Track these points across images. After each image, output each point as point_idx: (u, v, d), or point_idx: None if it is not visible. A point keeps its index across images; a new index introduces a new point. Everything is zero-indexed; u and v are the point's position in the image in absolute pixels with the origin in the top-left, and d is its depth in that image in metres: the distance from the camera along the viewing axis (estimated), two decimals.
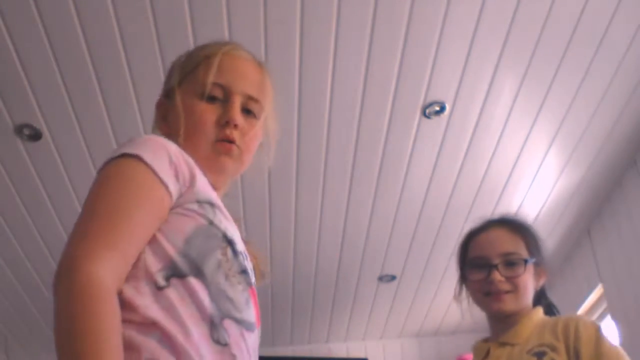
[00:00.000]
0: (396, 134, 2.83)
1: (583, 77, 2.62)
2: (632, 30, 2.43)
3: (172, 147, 0.99)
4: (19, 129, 2.61)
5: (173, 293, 0.88)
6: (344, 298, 4.11)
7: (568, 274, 3.86)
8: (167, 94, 1.15)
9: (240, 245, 0.99)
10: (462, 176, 3.12)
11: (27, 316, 3.96)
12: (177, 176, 0.95)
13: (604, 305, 3.52)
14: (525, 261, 1.57)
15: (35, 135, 2.65)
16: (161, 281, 0.88)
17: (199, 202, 0.96)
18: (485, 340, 1.63)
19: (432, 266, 3.81)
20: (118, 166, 0.93)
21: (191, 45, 2.33)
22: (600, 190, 3.30)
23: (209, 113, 1.08)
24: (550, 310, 1.65)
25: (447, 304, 4.16)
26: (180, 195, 0.95)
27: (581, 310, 3.66)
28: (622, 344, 3.18)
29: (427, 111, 2.72)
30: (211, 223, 0.95)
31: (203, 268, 0.91)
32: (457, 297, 1.68)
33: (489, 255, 1.58)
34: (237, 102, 1.10)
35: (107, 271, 0.81)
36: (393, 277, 3.91)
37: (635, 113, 2.83)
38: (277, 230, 3.41)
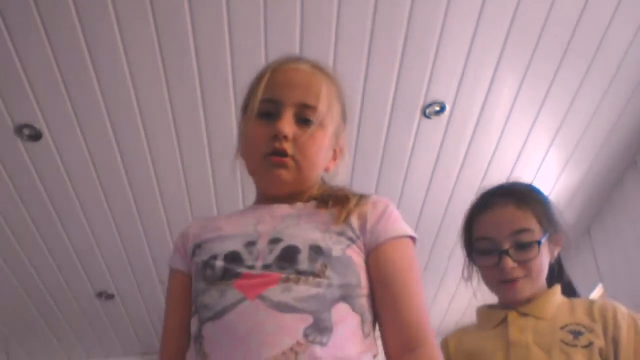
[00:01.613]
0: (396, 134, 2.83)
1: (583, 77, 2.62)
2: (632, 30, 2.43)
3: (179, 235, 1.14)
4: (19, 129, 2.61)
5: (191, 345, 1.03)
6: None
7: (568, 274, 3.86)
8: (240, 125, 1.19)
9: (228, 245, 1.04)
10: (462, 176, 3.12)
11: (27, 316, 3.96)
12: (179, 252, 1.12)
13: None
14: (539, 242, 1.40)
15: (35, 135, 2.65)
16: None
17: (193, 253, 1.08)
18: (491, 307, 1.49)
19: (432, 266, 3.80)
20: None
21: (191, 46, 2.34)
22: (600, 190, 3.30)
23: (259, 129, 1.08)
24: (569, 290, 1.50)
25: (447, 304, 4.16)
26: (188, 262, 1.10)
27: None
28: None
29: (427, 111, 2.72)
30: (199, 263, 1.05)
31: (196, 300, 1.03)
32: (466, 278, 1.51)
33: (497, 238, 1.41)
34: (287, 113, 1.08)
35: None
36: None
37: (635, 113, 2.83)
38: None
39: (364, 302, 1.01)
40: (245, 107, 1.15)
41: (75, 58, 2.34)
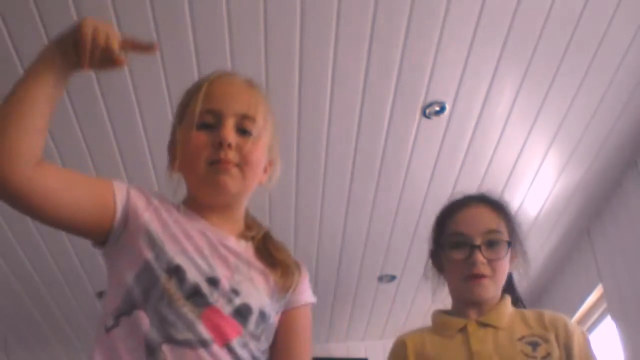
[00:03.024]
0: (396, 134, 2.83)
1: (583, 77, 2.62)
2: (632, 30, 2.43)
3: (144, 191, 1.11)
4: None
5: (119, 332, 1.00)
6: (344, 298, 4.11)
7: (568, 274, 3.86)
8: (173, 134, 1.20)
9: (192, 272, 1.04)
10: (462, 176, 3.12)
11: (27, 316, 3.96)
12: (129, 200, 1.07)
13: (603, 305, 3.52)
14: (508, 243, 1.46)
15: None
16: (109, 322, 1.02)
17: (149, 237, 1.05)
18: (447, 313, 1.54)
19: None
20: None
21: (191, 44, 2.34)
22: (600, 190, 3.30)
23: (201, 139, 1.11)
24: (517, 303, 1.55)
25: (447, 304, 4.15)
26: (128, 217, 1.05)
27: (581, 310, 3.66)
28: (622, 343, 3.18)
29: (427, 111, 2.72)
30: (158, 256, 1.03)
31: (148, 299, 1.01)
32: (427, 275, 1.57)
33: (471, 233, 1.46)
34: (229, 123, 1.11)
35: None
36: (393, 277, 3.91)
37: (635, 113, 2.83)
38: (277, 231, 3.37)
39: None
40: (181, 119, 1.17)
41: None
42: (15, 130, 0.94)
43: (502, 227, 1.48)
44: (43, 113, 0.98)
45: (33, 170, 0.96)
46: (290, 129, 2.74)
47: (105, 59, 0.99)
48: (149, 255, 1.03)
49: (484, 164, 3.06)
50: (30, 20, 2.19)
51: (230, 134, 1.10)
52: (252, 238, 1.16)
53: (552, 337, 1.39)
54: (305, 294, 1.17)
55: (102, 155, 2.81)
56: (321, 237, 3.50)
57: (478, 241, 1.45)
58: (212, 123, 1.12)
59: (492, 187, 3.19)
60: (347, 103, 2.65)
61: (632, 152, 3.05)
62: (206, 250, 1.08)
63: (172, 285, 1.02)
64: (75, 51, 0.98)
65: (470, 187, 3.18)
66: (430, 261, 1.58)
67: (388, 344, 1.58)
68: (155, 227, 1.06)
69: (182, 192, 1.18)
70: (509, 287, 1.56)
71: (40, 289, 3.65)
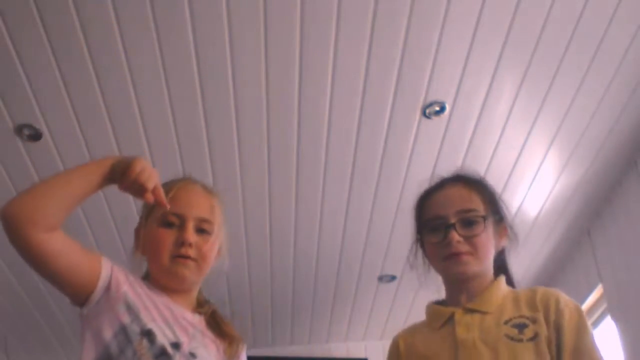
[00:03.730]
0: (396, 134, 2.83)
1: (583, 77, 2.62)
2: (632, 30, 2.43)
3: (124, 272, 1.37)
4: (19, 129, 2.61)
5: None
6: (344, 298, 4.11)
7: (568, 274, 3.86)
8: (140, 222, 1.45)
9: (160, 337, 1.27)
10: None
11: (27, 316, 3.96)
12: (116, 273, 1.33)
13: (604, 305, 3.52)
14: (484, 218, 1.44)
15: (35, 135, 2.65)
16: None
17: (127, 305, 1.28)
18: (440, 304, 1.52)
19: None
20: None
21: (191, 47, 2.34)
22: (600, 190, 3.30)
23: (167, 236, 1.36)
24: (510, 282, 1.52)
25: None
26: (110, 286, 1.30)
27: None
28: (622, 343, 3.18)
29: (427, 111, 2.72)
30: (133, 320, 1.27)
31: (122, 356, 1.23)
32: (412, 263, 1.56)
33: (445, 214, 1.45)
34: (189, 225, 1.37)
35: None
36: (393, 277, 3.91)
37: (635, 113, 2.83)
38: (277, 231, 3.41)
39: None
40: (148, 212, 1.41)
41: (76, 58, 2.34)
42: (52, 203, 1.20)
43: (478, 204, 1.46)
44: (76, 200, 1.25)
45: (49, 235, 1.21)
46: (290, 129, 2.74)
47: (138, 190, 1.26)
48: (126, 319, 1.27)
49: (484, 164, 3.06)
50: (31, 20, 2.19)
51: (191, 235, 1.36)
52: (205, 313, 1.41)
53: (540, 317, 1.36)
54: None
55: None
56: (321, 237, 3.50)
57: (452, 220, 1.44)
58: (176, 223, 1.37)
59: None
60: (347, 103, 2.65)
61: (632, 152, 3.05)
62: (170, 320, 1.32)
63: (143, 347, 1.24)
64: (121, 177, 1.25)
65: None
66: (413, 249, 1.57)
67: (388, 344, 1.58)
68: (132, 297, 1.30)
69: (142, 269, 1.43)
70: (503, 266, 1.53)
71: (40, 289, 3.65)
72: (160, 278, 1.38)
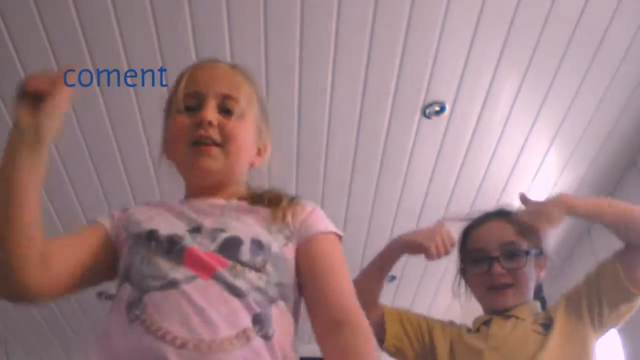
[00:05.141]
0: (396, 134, 2.83)
1: (583, 77, 2.62)
2: (632, 30, 2.43)
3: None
4: None
5: (114, 301, 1.01)
6: None
7: (568, 274, 3.86)
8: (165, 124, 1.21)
9: (166, 229, 1.04)
10: (462, 176, 3.12)
11: (27, 316, 3.96)
12: (113, 218, 1.12)
13: None
14: (527, 252, 1.51)
15: None
16: (114, 291, 1.04)
17: (130, 222, 1.09)
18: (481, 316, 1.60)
19: (432, 266, 3.80)
20: None
21: (190, 42, 2.34)
22: (600, 190, 3.30)
23: (183, 120, 1.12)
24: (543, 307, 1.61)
25: (447, 304, 4.15)
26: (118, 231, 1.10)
27: None
28: (622, 344, 3.18)
29: (427, 111, 2.72)
30: (134, 229, 1.06)
31: (131, 269, 1.01)
32: (456, 292, 1.62)
33: (488, 247, 1.52)
34: (210, 103, 1.12)
35: None
36: (393, 277, 3.91)
37: (635, 113, 2.83)
38: None
39: (297, 305, 1.11)
40: (169, 108, 1.18)
41: (76, 58, 2.34)
42: (10, 225, 1.02)
43: (520, 238, 1.54)
44: (28, 199, 1.07)
45: (42, 268, 1.00)
46: (290, 128, 2.74)
47: (52, 90, 1.04)
48: (129, 234, 1.07)
49: (484, 164, 3.06)
50: (30, 20, 2.19)
51: (210, 113, 1.10)
52: (245, 198, 1.15)
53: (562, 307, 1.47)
54: (317, 226, 1.14)
55: (103, 157, 2.81)
56: None
57: (496, 253, 1.51)
58: (194, 106, 1.12)
59: (492, 187, 3.20)
60: (347, 103, 2.65)
61: (632, 152, 3.05)
62: (187, 211, 1.09)
63: (151, 249, 1.02)
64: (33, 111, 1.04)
65: (470, 187, 3.21)
66: (457, 278, 1.64)
67: None
68: (136, 214, 1.11)
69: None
70: (537, 297, 1.60)
71: None
72: (185, 176, 1.16)
